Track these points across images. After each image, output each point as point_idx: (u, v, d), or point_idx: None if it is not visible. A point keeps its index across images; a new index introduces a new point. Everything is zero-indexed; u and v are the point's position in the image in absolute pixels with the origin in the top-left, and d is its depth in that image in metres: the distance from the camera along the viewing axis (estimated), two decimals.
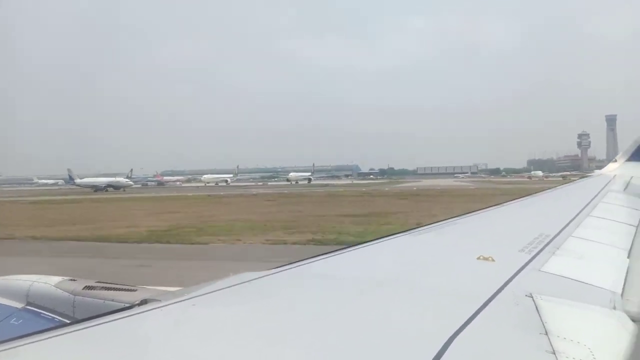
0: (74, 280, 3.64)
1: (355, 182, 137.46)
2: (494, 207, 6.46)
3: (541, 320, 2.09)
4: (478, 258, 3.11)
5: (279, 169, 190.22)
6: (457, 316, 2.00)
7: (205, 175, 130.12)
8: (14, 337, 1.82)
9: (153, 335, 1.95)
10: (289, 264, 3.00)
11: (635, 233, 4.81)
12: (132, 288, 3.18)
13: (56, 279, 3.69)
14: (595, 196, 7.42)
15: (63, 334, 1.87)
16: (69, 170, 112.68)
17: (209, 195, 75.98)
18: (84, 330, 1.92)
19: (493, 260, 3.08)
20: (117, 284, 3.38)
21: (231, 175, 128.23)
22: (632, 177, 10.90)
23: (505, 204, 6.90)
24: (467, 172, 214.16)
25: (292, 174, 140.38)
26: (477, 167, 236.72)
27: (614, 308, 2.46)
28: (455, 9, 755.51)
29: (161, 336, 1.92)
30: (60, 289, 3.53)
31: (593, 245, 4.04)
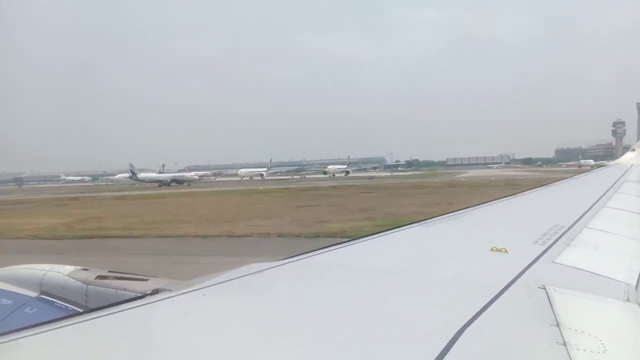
0: (87, 269, 3.68)
1: (394, 174, 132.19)
2: (508, 198, 6.38)
3: (553, 312, 2.07)
4: (491, 249, 3.08)
5: (304, 162, 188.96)
6: (468, 307, 1.99)
7: (241, 170, 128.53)
8: (28, 325, 1.87)
9: (164, 324, 1.98)
10: (299, 255, 3.01)
11: None
12: (144, 278, 3.19)
13: (69, 269, 3.74)
14: (612, 186, 7.30)
15: (76, 323, 1.92)
16: (130, 165, 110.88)
17: (299, 189, 70.17)
18: (97, 319, 1.96)
19: (506, 251, 3.05)
20: (129, 274, 3.40)
21: (265, 169, 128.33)
22: None
23: (519, 194, 6.81)
24: (500, 162, 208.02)
25: (330, 167, 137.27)
26: (509, 157, 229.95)
27: (628, 300, 2.42)
28: None
29: (172, 326, 1.94)
30: (73, 278, 3.57)
31: (608, 236, 3.98)
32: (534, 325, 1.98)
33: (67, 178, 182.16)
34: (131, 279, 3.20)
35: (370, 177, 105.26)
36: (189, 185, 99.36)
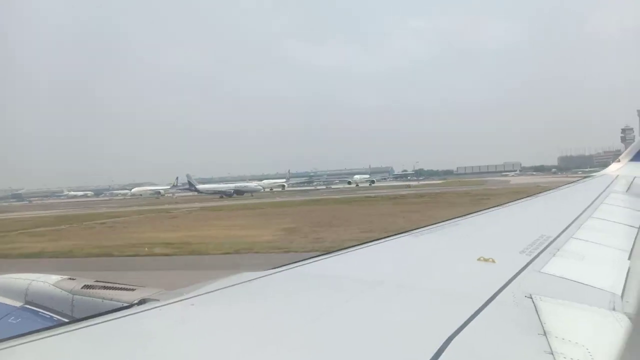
0: (73, 279, 3.61)
1: (420, 183, 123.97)
2: (495, 208, 6.45)
3: (540, 321, 2.09)
4: (479, 259, 3.11)
5: (311, 173, 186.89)
6: (456, 317, 2.00)
7: (264, 181, 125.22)
8: (12, 335, 1.84)
9: (151, 334, 1.97)
10: (288, 265, 3.01)
11: (637, 235, 4.76)
12: (131, 287, 3.13)
13: (55, 278, 3.66)
14: (598, 197, 7.38)
15: (61, 333, 1.89)
16: (188, 176, 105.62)
17: (372, 197, 62.79)
18: (83, 329, 1.94)
19: (494, 261, 3.08)
20: (116, 283, 3.34)
21: (285, 180, 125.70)
22: (635, 178, 10.75)
23: (506, 204, 6.87)
24: (516, 170, 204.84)
25: (356, 177, 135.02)
26: (520, 165, 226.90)
27: (614, 309, 2.45)
28: (467, 5, 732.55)
29: (160, 336, 1.93)
30: (59, 287, 3.50)
31: (594, 247, 4.02)
32: (521, 334, 1.99)
33: (69, 193, 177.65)
34: (118, 288, 3.15)
35: (408, 186, 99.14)
36: (252, 196, 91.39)
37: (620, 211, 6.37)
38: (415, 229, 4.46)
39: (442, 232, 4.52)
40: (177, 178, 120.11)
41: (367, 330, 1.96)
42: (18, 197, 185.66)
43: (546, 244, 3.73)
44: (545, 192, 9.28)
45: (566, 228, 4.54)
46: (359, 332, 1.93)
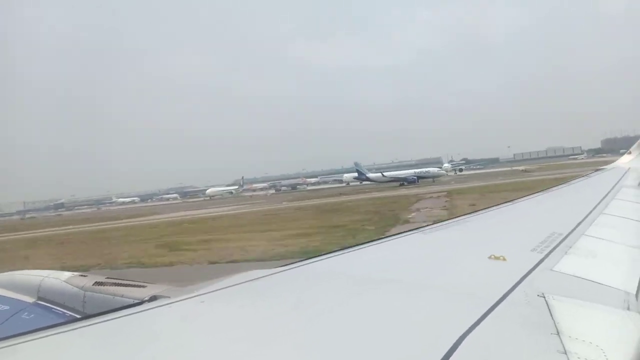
0: (85, 275, 3.64)
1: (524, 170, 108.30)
2: (505, 205, 6.40)
3: (553, 320, 2.07)
4: (490, 257, 3.08)
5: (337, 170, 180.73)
6: (467, 316, 1.99)
7: (346, 175, 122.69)
8: (25, 331, 1.88)
9: (162, 331, 1.98)
10: (297, 262, 3.02)
11: None
12: (142, 284, 3.15)
13: (67, 275, 3.70)
14: (609, 192, 7.26)
15: (73, 329, 1.92)
16: (357, 164, 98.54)
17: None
18: (94, 325, 1.97)
19: (505, 259, 3.05)
20: (126, 280, 3.36)
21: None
22: None
23: (516, 200, 6.82)
24: (582, 154, 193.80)
25: (446, 165, 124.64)
26: (580, 149, 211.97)
27: (628, 309, 2.41)
28: None
29: (170, 332, 1.95)
30: (71, 284, 3.53)
31: (606, 244, 3.97)
32: (534, 334, 1.97)
33: (118, 200, 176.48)
34: (129, 285, 3.18)
35: (524, 171, 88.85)
36: (433, 182, 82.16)
37: (632, 206, 6.24)
38: (425, 226, 4.44)
39: (452, 229, 4.49)
40: (242, 177, 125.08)
41: (378, 328, 1.95)
42: (60, 206, 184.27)
43: (557, 241, 3.68)
44: (555, 187, 9.02)
45: (578, 225, 4.47)
46: (369, 330, 1.93)
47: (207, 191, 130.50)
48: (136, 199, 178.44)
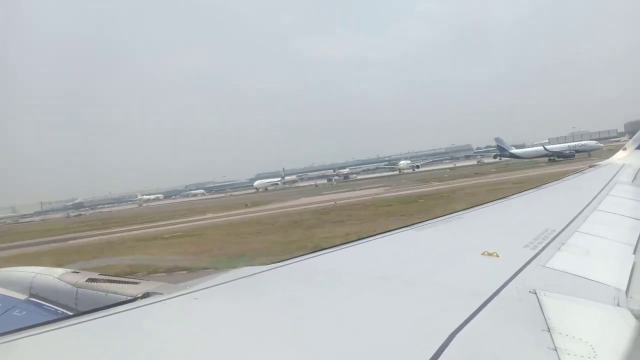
0: (77, 272, 3.58)
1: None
2: (499, 201, 6.43)
3: (544, 317, 2.08)
4: (482, 253, 3.09)
5: (384, 158, 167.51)
6: (460, 312, 2.00)
7: (402, 161, 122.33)
8: (17, 328, 1.87)
9: (155, 328, 1.98)
10: (290, 259, 3.02)
11: None
12: (135, 281, 3.12)
13: (59, 271, 3.64)
14: (603, 188, 7.27)
15: (65, 326, 1.91)
16: (498, 139, 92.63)
17: None
18: (87, 322, 1.97)
19: (497, 255, 3.06)
20: (120, 277, 3.33)
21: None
22: None
23: (511, 197, 6.84)
24: (624, 136, 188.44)
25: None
26: (617, 131, 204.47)
27: (618, 305, 2.43)
28: None
29: (163, 329, 1.95)
30: (63, 281, 3.48)
31: (599, 241, 3.98)
32: (524, 330, 1.98)
33: (143, 197, 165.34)
34: (122, 282, 3.15)
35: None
36: (589, 155, 71.31)
37: (625, 203, 6.27)
38: (418, 223, 4.45)
39: (445, 225, 4.50)
40: (283, 169, 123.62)
41: (370, 324, 1.96)
42: (79, 206, 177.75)
43: (550, 238, 3.69)
44: (549, 184, 9.12)
45: (571, 221, 4.49)
46: (362, 326, 1.94)
47: (255, 183, 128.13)
48: (160, 196, 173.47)
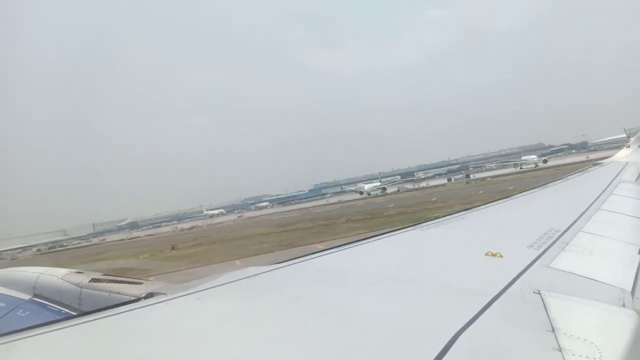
0: (81, 272, 3.59)
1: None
2: (503, 201, 6.40)
3: (548, 317, 2.07)
4: (486, 254, 3.08)
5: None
6: (464, 312, 1.99)
7: (367, 185, 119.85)
8: (21, 328, 1.89)
9: (158, 328, 1.99)
10: (293, 259, 3.02)
11: None
12: (138, 281, 3.14)
13: (63, 271, 3.65)
14: (607, 187, 7.22)
15: (69, 326, 1.92)
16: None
17: None
18: (90, 322, 1.98)
19: (501, 256, 3.05)
20: (123, 277, 3.33)
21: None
22: None
23: (514, 196, 6.81)
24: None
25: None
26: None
27: (623, 306, 2.41)
28: None
29: (166, 329, 1.95)
30: (67, 281, 3.49)
31: (603, 240, 3.96)
32: (529, 331, 1.97)
33: (209, 212, 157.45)
34: (125, 282, 3.16)
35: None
36: None
37: (629, 202, 6.22)
38: (422, 223, 4.44)
39: (449, 225, 4.48)
40: (379, 173, 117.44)
41: (374, 324, 1.95)
42: (134, 226, 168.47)
43: (554, 238, 3.68)
44: (553, 182, 9.05)
45: (575, 221, 4.47)
46: (365, 326, 1.93)
47: (366, 187, 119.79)
48: (223, 210, 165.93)
